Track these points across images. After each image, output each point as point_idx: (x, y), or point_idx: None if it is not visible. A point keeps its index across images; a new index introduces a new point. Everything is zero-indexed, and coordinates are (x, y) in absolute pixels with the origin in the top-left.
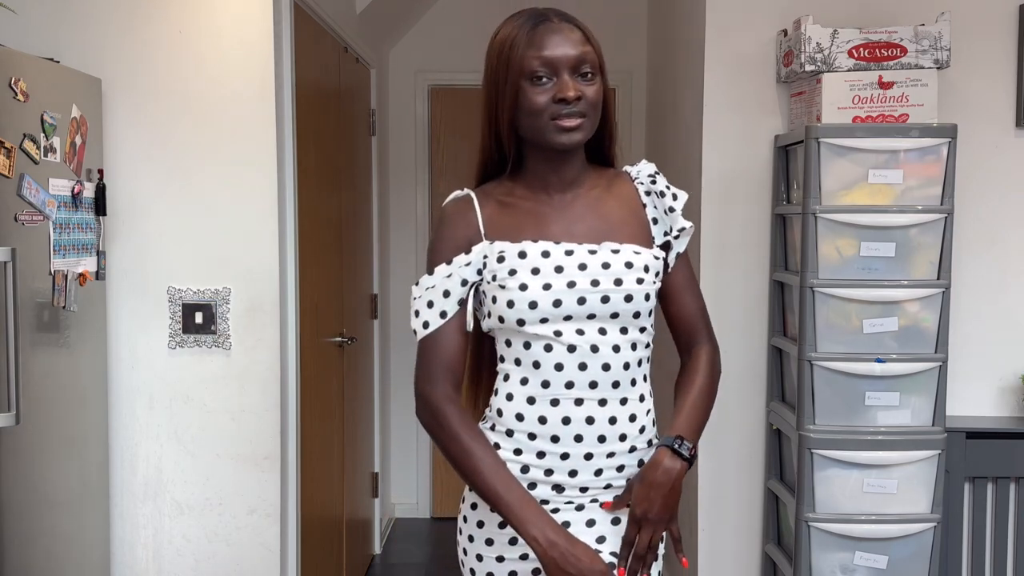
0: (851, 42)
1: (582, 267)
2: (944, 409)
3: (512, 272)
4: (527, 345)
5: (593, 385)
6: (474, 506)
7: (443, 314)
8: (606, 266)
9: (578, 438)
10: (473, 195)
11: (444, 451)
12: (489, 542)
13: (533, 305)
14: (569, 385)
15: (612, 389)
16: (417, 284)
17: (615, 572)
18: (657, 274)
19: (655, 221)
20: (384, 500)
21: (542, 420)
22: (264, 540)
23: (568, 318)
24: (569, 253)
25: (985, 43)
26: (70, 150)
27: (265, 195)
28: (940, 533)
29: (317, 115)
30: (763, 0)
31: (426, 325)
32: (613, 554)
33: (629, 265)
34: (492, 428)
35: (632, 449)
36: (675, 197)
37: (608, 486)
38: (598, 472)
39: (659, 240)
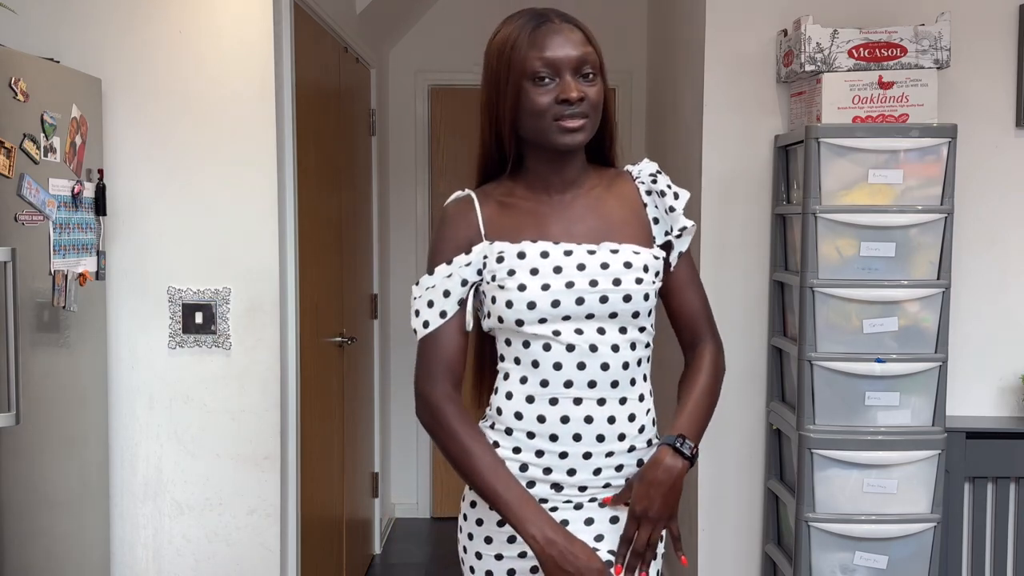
0: (851, 42)
1: (580, 267)
2: (944, 409)
3: (511, 272)
4: (526, 344)
5: (592, 384)
6: (473, 504)
7: (443, 314)
8: (605, 266)
9: (576, 437)
10: (474, 195)
11: (443, 450)
12: (488, 540)
13: (531, 305)
14: (568, 384)
15: (611, 388)
16: (417, 284)
17: (612, 570)
18: (657, 274)
19: (656, 221)
20: (384, 500)
21: (541, 419)
22: (264, 540)
23: (566, 318)
24: (568, 253)
25: (985, 43)
26: (70, 150)
27: (265, 195)
28: (940, 533)
29: (317, 115)
30: (763, 0)
31: (426, 325)
32: (611, 552)
33: (628, 265)
34: (492, 426)
35: (631, 449)
36: (676, 196)
37: (607, 485)
38: (597, 471)
39: (660, 240)
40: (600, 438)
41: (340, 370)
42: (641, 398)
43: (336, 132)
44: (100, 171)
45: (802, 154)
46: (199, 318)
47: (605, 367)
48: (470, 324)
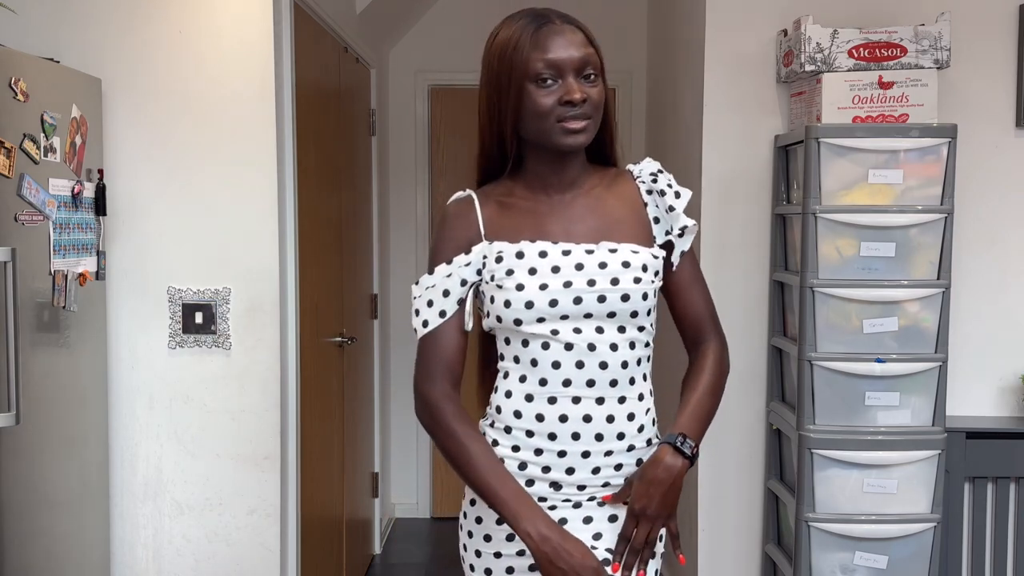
0: (851, 42)
1: (579, 267)
2: (944, 409)
3: (509, 272)
4: (525, 343)
5: (590, 383)
6: (473, 502)
7: (442, 313)
8: (603, 265)
9: (575, 436)
10: (474, 196)
11: (441, 448)
12: (487, 538)
13: (529, 305)
14: (566, 383)
15: (610, 388)
16: (417, 283)
17: (609, 568)
18: (657, 273)
19: (656, 220)
20: (384, 500)
21: (539, 418)
22: (264, 540)
23: (565, 317)
24: (566, 253)
25: (985, 43)
26: (70, 150)
27: (265, 195)
28: (940, 533)
29: (317, 115)
30: (763, 0)
31: (425, 324)
32: (609, 550)
33: (626, 264)
34: (492, 425)
35: (630, 448)
36: (678, 195)
37: (606, 484)
38: (595, 470)
39: (661, 239)
40: (599, 437)
41: (340, 370)
42: (640, 397)
43: (336, 132)
44: (100, 171)
45: (802, 154)
46: (199, 318)
47: (603, 366)
48: (469, 324)
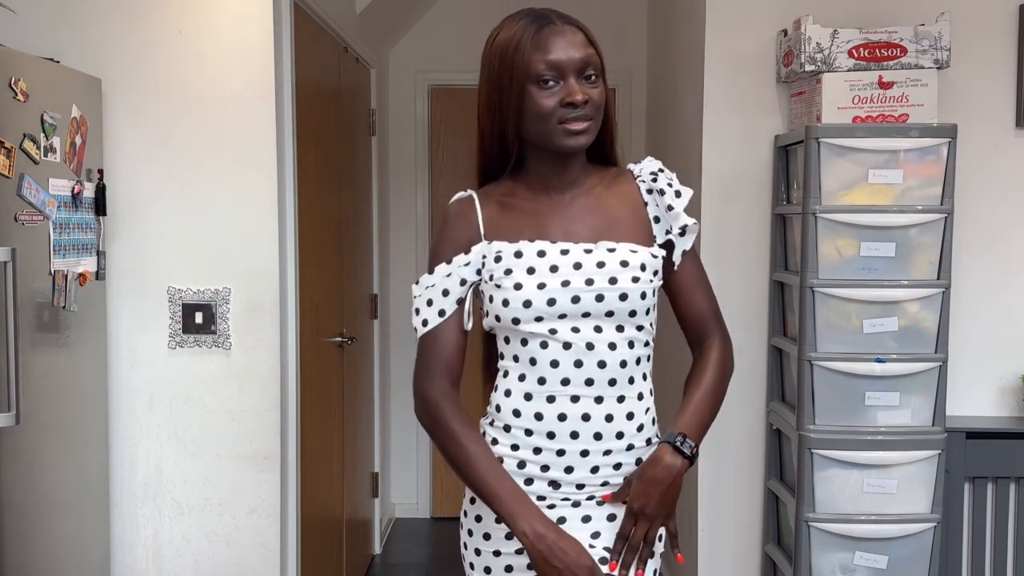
0: (851, 42)
1: (577, 266)
2: (944, 409)
3: (508, 271)
4: (524, 342)
5: (589, 382)
6: (473, 500)
7: (442, 312)
8: (601, 265)
9: (574, 435)
10: (475, 196)
11: (439, 447)
12: (486, 537)
13: (527, 304)
14: (565, 382)
15: (608, 387)
16: (418, 283)
17: (607, 567)
18: (656, 272)
19: (657, 219)
20: (384, 500)
21: (538, 416)
22: (264, 540)
23: (562, 316)
24: (565, 252)
25: (985, 43)
26: (70, 150)
27: (265, 195)
28: (940, 533)
29: (317, 115)
30: (763, 0)
31: (425, 323)
32: (607, 549)
33: (624, 264)
34: (491, 424)
35: (629, 447)
36: (678, 194)
37: (605, 483)
38: (594, 469)
39: (661, 238)
40: (597, 436)
41: (340, 370)
42: (640, 397)
43: (336, 132)
44: (100, 171)
45: (802, 154)
46: (199, 318)
47: (602, 365)
48: (469, 324)
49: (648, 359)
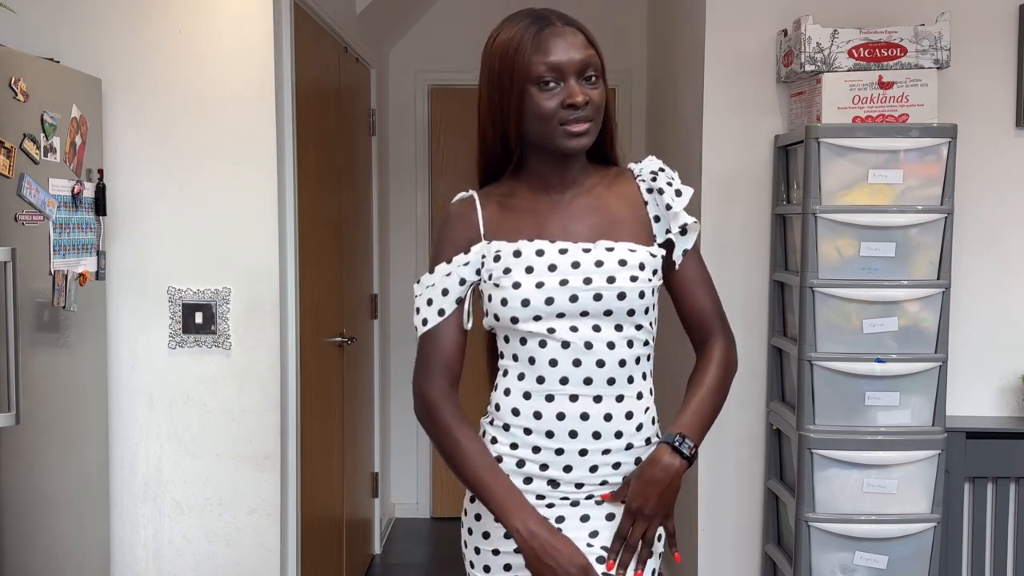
0: (851, 42)
1: (575, 265)
2: (944, 409)
3: (507, 271)
4: (523, 341)
5: (588, 381)
6: (473, 499)
7: (441, 312)
8: (599, 264)
9: (573, 434)
10: (476, 196)
11: (436, 445)
12: (486, 535)
13: (526, 303)
14: (564, 381)
15: (607, 386)
16: (419, 282)
17: (604, 566)
18: (655, 272)
19: (657, 219)
20: (384, 500)
21: (537, 415)
22: (264, 540)
23: (561, 315)
24: (563, 251)
25: (985, 43)
26: (70, 150)
27: (265, 195)
28: (940, 533)
29: (317, 115)
30: (763, 0)
31: (425, 322)
32: (605, 548)
33: (623, 263)
34: (491, 423)
35: (628, 447)
36: (679, 193)
37: (604, 483)
38: (593, 468)
39: (661, 238)
40: (596, 435)
41: (340, 370)
42: (640, 396)
43: (336, 132)
44: (100, 171)
45: (802, 154)
46: (199, 318)
47: (600, 364)
48: (469, 323)
49: (648, 359)
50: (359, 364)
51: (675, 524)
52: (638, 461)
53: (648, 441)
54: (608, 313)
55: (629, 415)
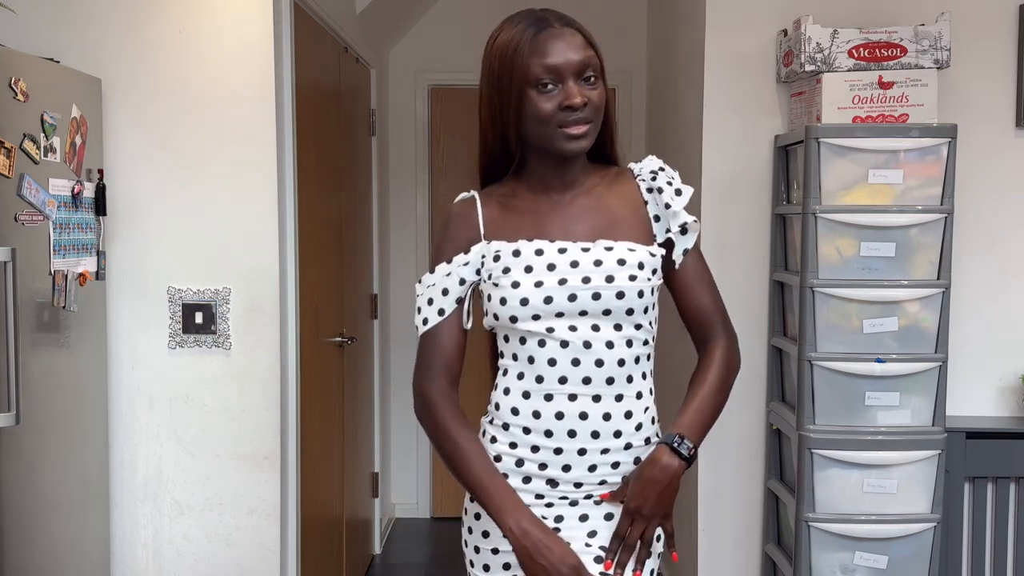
0: (851, 42)
1: (574, 264)
2: (944, 409)
3: (506, 270)
4: (522, 341)
5: (587, 381)
6: (472, 498)
7: (441, 311)
8: (598, 263)
9: (571, 433)
10: (477, 197)
11: (434, 443)
12: (485, 534)
13: (524, 302)
14: (563, 380)
15: (606, 385)
16: (420, 282)
17: (602, 566)
18: (655, 271)
19: (657, 218)
20: (384, 500)
21: (536, 415)
22: (264, 540)
23: (560, 315)
24: (562, 251)
25: (985, 43)
26: (70, 150)
27: (265, 195)
28: (940, 533)
29: (317, 115)
30: (763, 0)
31: (425, 322)
32: (603, 548)
33: (622, 262)
34: (491, 422)
35: (628, 447)
36: (679, 193)
37: (603, 482)
38: (592, 468)
39: (661, 237)
40: (595, 435)
41: (340, 370)
42: (639, 396)
43: (336, 132)
44: (100, 171)
45: (802, 154)
46: (199, 318)
47: (599, 364)
48: (468, 323)
49: (648, 358)
50: (359, 364)
51: (674, 524)
52: (637, 461)
53: (647, 441)
54: (607, 312)
55: (628, 415)
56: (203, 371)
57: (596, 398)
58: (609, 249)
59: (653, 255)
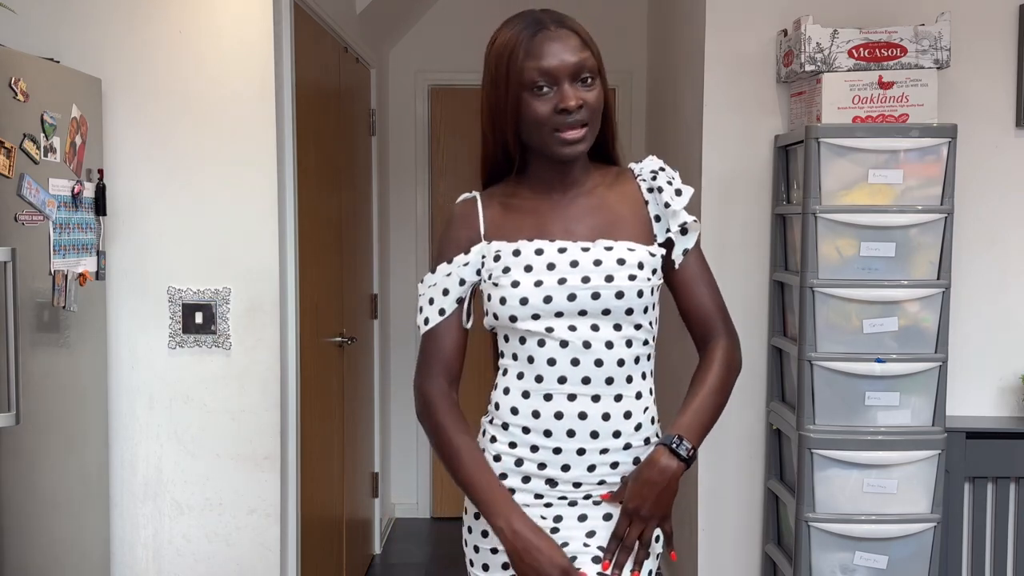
0: (851, 42)
1: (574, 264)
2: (944, 409)
3: (506, 270)
4: (522, 340)
5: (586, 381)
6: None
7: (442, 311)
8: (598, 263)
9: (570, 433)
10: (478, 197)
11: (431, 442)
12: (484, 534)
13: (524, 301)
14: (562, 380)
15: (606, 385)
16: (423, 281)
17: (600, 566)
18: (655, 271)
19: (657, 218)
20: (384, 500)
21: (535, 414)
22: (264, 540)
23: (560, 314)
24: (562, 251)
25: (985, 43)
26: (70, 150)
27: (265, 195)
28: (940, 533)
29: (317, 115)
30: (763, 0)
31: (427, 321)
32: (601, 548)
33: (621, 262)
34: (491, 421)
35: (627, 447)
36: (679, 193)
37: (602, 482)
38: (591, 468)
39: (662, 237)
40: (594, 435)
41: (340, 370)
42: (639, 396)
43: (336, 132)
44: (100, 171)
45: (802, 154)
46: (199, 318)
47: (599, 364)
48: (468, 323)
49: (648, 358)
50: (359, 364)
51: (674, 525)
52: (636, 461)
53: (647, 441)
54: (606, 312)
55: (627, 415)
56: (203, 371)
57: (595, 398)
58: (609, 249)
59: (653, 255)
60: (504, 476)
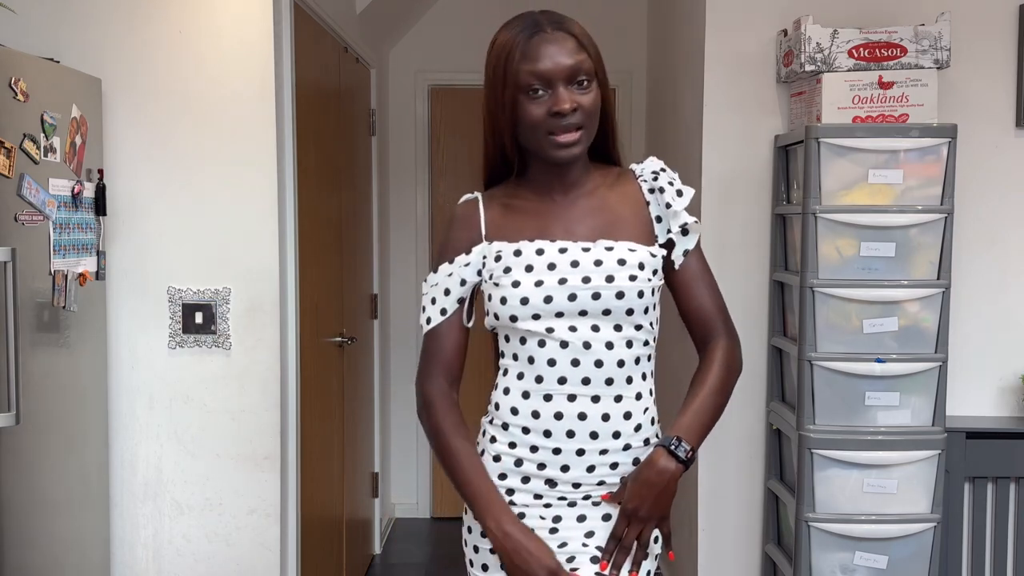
0: (851, 42)
1: (574, 264)
2: (944, 409)
3: (507, 270)
4: (522, 341)
5: (586, 381)
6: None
7: (443, 311)
8: (598, 263)
9: (570, 434)
10: (480, 198)
11: (430, 442)
12: (484, 534)
13: (524, 301)
14: (562, 381)
15: (606, 386)
16: (425, 281)
17: (598, 566)
18: (655, 271)
19: (658, 219)
20: (384, 500)
21: (535, 415)
22: (264, 540)
23: (560, 315)
24: (563, 251)
25: (985, 43)
26: (70, 150)
27: (265, 195)
28: (940, 533)
29: (317, 115)
30: (763, 0)
31: (428, 321)
32: (599, 548)
33: (622, 262)
34: (491, 422)
35: (627, 447)
36: (680, 193)
37: (602, 483)
38: (590, 468)
39: (663, 238)
40: (594, 435)
41: (340, 370)
42: (639, 397)
43: (336, 132)
44: (100, 171)
45: (802, 154)
46: (199, 318)
47: (599, 364)
48: (469, 322)
49: (648, 359)
50: (359, 364)
51: (674, 525)
52: (636, 462)
53: (647, 442)
54: (607, 312)
55: (627, 415)
56: (203, 371)
57: (595, 399)
58: (610, 249)
59: (654, 255)
60: (504, 476)
